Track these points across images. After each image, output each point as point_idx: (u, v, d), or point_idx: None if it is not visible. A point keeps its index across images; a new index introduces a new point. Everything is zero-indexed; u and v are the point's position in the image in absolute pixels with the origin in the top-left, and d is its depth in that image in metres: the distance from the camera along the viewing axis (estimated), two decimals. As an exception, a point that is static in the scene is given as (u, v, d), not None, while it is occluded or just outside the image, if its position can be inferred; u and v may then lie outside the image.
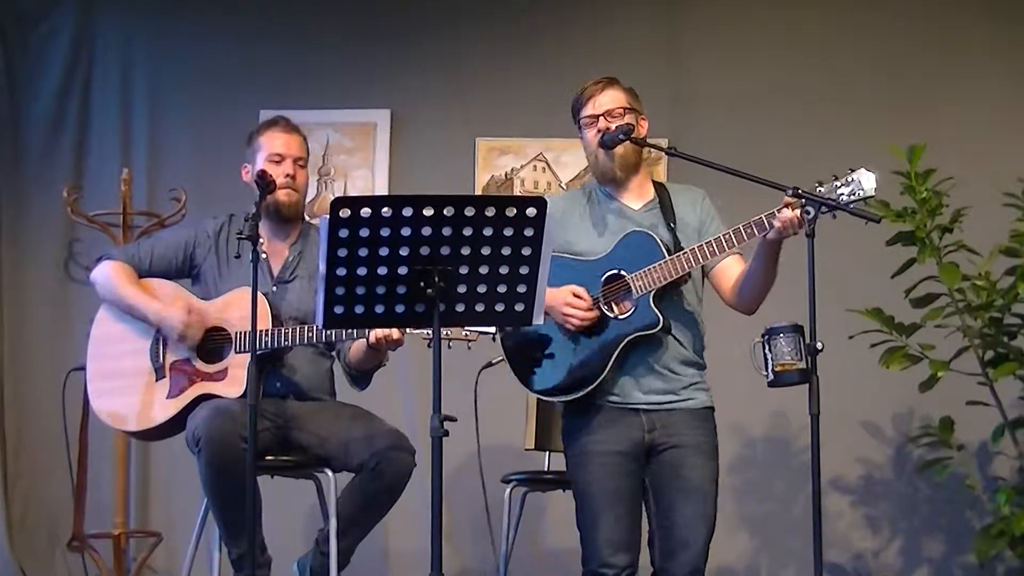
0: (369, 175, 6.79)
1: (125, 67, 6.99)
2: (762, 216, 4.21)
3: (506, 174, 6.72)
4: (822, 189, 4.14)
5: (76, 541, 6.07)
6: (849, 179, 4.13)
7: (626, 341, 4.37)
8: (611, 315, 4.41)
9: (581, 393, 4.40)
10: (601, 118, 4.50)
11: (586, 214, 4.59)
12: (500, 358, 4.64)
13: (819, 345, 4.06)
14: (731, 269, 4.50)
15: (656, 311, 4.35)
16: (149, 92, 6.96)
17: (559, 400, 4.51)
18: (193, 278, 5.01)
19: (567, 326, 4.40)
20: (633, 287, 4.37)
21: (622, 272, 4.41)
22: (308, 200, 6.37)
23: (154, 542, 6.38)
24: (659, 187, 4.65)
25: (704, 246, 4.31)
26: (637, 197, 4.59)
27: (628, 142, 4.46)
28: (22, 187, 6.95)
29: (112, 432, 6.12)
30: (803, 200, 4.11)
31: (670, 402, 4.44)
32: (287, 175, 4.90)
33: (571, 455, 4.50)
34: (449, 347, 4.42)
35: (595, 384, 4.38)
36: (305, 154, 5.00)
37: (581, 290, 4.40)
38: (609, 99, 4.53)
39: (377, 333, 4.57)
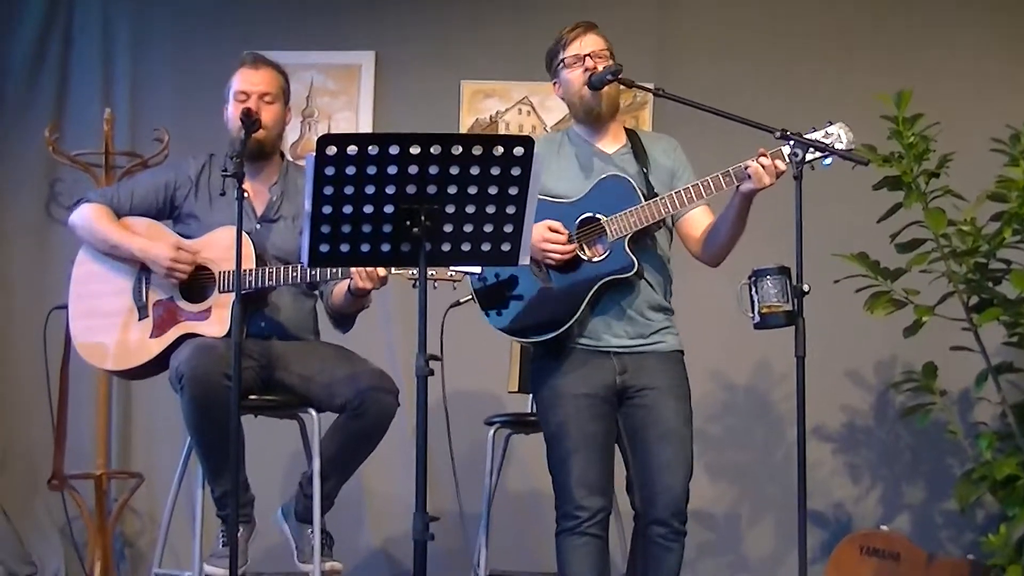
0: (353, 117, 6.75)
1: (107, 6, 6.91)
2: (740, 164, 4.21)
3: (491, 117, 6.70)
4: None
5: (55, 480, 6.04)
6: (828, 132, 4.17)
7: (599, 284, 4.37)
8: (584, 258, 4.40)
9: (551, 335, 4.40)
10: (587, 58, 4.49)
11: (564, 156, 4.59)
12: (468, 297, 4.62)
13: (805, 287, 4.07)
14: (698, 219, 4.52)
15: (631, 255, 4.35)
16: (131, 32, 6.89)
17: (528, 341, 4.53)
18: (175, 219, 4.98)
19: (547, 262, 4.39)
20: (608, 231, 4.37)
21: (597, 215, 4.40)
22: (292, 142, 6.38)
23: (136, 483, 6.37)
24: (631, 134, 4.65)
25: (682, 192, 4.32)
26: (611, 142, 4.60)
27: (615, 82, 4.44)
28: (3, 126, 6.88)
29: (94, 372, 6.10)
30: (791, 143, 4.12)
31: (640, 346, 4.45)
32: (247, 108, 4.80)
33: (542, 397, 4.51)
34: (435, 287, 4.42)
35: (566, 326, 4.38)
36: (275, 88, 4.91)
37: (557, 224, 4.39)
38: (592, 41, 4.52)
39: (358, 281, 4.55)
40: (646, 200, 4.36)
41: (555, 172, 4.52)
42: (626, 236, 4.35)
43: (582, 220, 4.42)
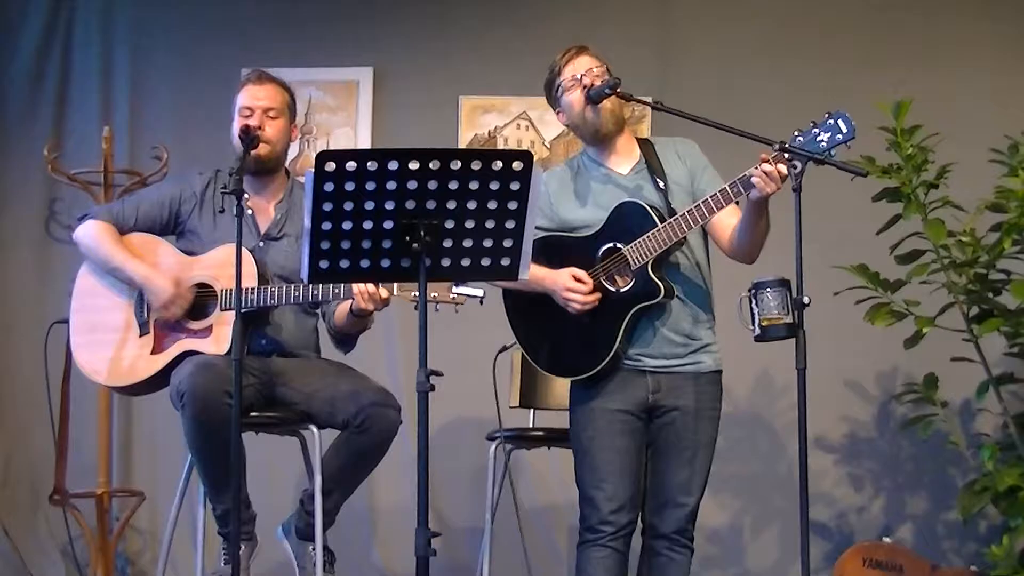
0: (352, 133, 6.75)
1: (106, 24, 6.92)
2: (746, 173, 4.21)
3: (489, 132, 6.70)
4: (801, 138, 4.14)
5: (58, 495, 6.04)
6: (827, 123, 4.14)
7: (631, 314, 4.38)
8: (613, 289, 4.41)
9: (595, 371, 4.43)
10: (583, 77, 4.48)
11: (579, 186, 4.59)
12: (514, 342, 4.69)
13: (806, 299, 4.07)
14: (727, 220, 4.50)
15: (656, 280, 4.36)
16: (130, 50, 6.90)
17: (574, 379, 4.53)
18: (178, 235, 4.98)
19: (569, 310, 4.41)
20: (630, 259, 4.38)
21: (618, 245, 4.41)
22: (291, 159, 6.37)
23: (137, 501, 6.36)
24: (644, 144, 4.64)
25: (694, 210, 4.31)
26: (624, 160, 4.59)
27: (614, 96, 4.44)
28: (2, 145, 6.89)
29: (94, 391, 6.11)
30: (787, 155, 4.12)
31: (676, 365, 4.46)
32: (256, 128, 4.82)
33: (576, 412, 4.53)
34: (437, 309, 4.41)
35: (607, 360, 4.40)
36: (279, 104, 4.92)
37: (582, 273, 4.41)
38: (587, 62, 4.52)
39: (360, 303, 4.54)
40: (662, 221, 4.36)
41: (571, 204, 4.55)
42: (648, 261, 4.36)
43: (605, 251, 4.44)
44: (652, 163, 4.55)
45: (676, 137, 4.70)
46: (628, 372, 4.45)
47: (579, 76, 4.48)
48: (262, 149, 4.80)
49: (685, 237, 4.40)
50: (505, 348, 5.14)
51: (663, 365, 4.45)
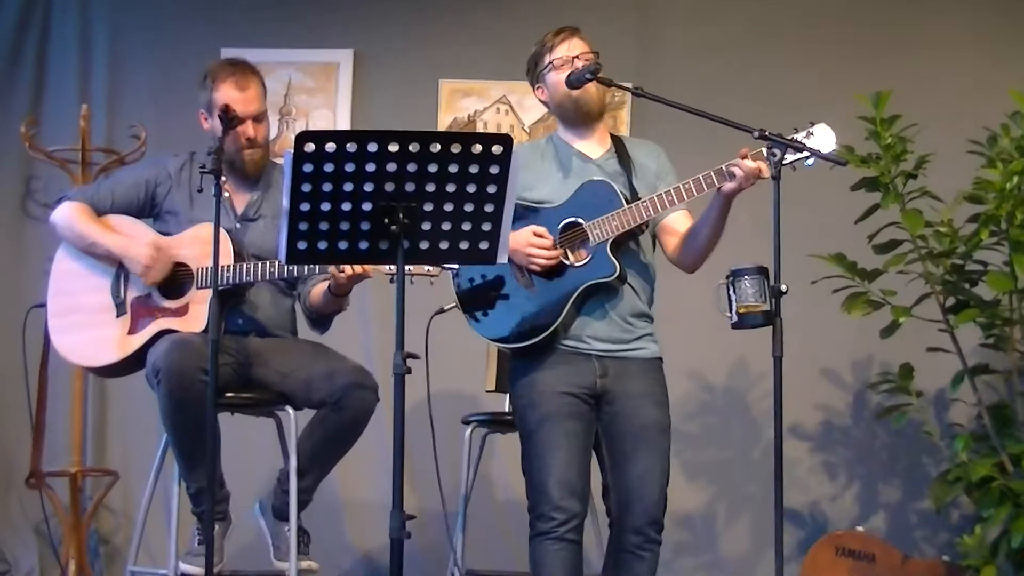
0: (331, 115, 6.74)
1: (84, 2, 6.90)
2: (722, 166, 4.21)
3: (469, 116, 6.69)
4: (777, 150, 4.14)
5: (33, 478, 6.02)
6: (810, 132, 4.15)
7: (582, 289, 4.36)
8: (567, 263, 4.39)
9: (534, 340, 4.39)
10: (575, 60, 4.47)
11: (547, 161, 4.57)
12: (452, 304, 4.60)
13: (783, 287, 4.07)
14: (678, 224, 4.51)
15: (613, 260, 4.34)
16: (109, 28, 6.88)
17: (512, 347, 4.49)
18: (155, 216, 4.96)
19: (531, 267, 4.38)
20: (591, 235, 4.37)
21: (579, 220, 4.39)
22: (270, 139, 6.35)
23: (111, 480, 6.35)
24: (616, 139, 4.64)
25: (663, 195, 4.31)
26: (596, 146, 4.59)
27: (595, 82, 4.43)
28: (-22, 122, 6.86)
29: (69, 371, 6.09)
30: (769, 145, 4.12)
31: (622, 350, 4.44)
32: (247, 138, 4.81)
33: (520, 395, 4.48)
34: (411, 282, 4.38)
35: (549, 331, 4.37)
36: (263, 104, 4.89)
37: (542, 230, 4.38)
38: (579, 45, 4.50)
39: (340, 277, 4.54)
40: (628, 204, 4.35)
41: (539, 178, 4.51)
42: (608, 240, 4.34)
43: (565, 225, 4.42)
44: (622, 153, 4.56)
45: (647, 140, 4.69)
46: (574, 355, 4.41)
47: (571, 56, 4.46)
48: (256, 155, 4.86)
49: (647, 223, 4.39)
50: (442, 310, 5.07)
51: (608, 349, 4.41)
